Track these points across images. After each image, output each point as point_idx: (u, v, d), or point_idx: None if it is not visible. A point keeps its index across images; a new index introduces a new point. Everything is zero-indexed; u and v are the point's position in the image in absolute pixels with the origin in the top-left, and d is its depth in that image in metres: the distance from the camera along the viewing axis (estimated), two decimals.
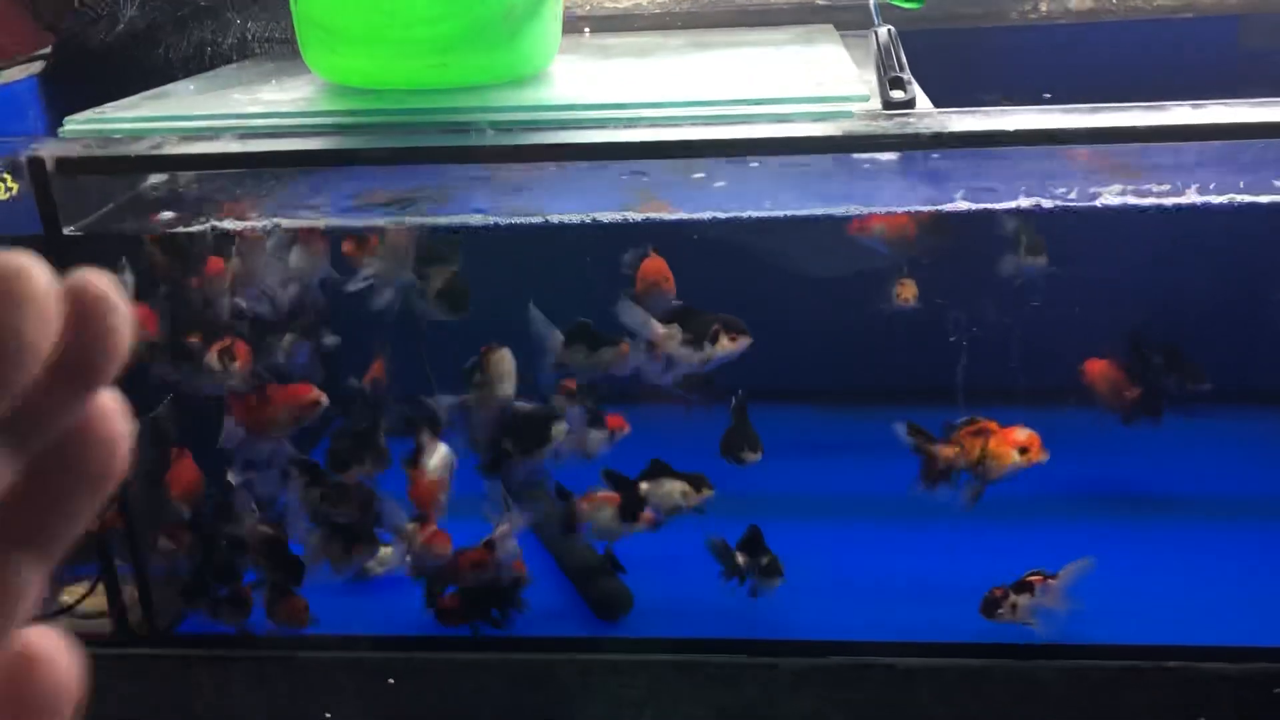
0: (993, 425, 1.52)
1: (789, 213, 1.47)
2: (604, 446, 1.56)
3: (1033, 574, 1.50)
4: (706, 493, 1.55)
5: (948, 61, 1.76)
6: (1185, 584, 1.62)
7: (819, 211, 1.48)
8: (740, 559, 1.56)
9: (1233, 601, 1.57)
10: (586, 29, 1.97)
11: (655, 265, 1.52)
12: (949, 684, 1.49)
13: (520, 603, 1.58)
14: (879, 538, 1.74)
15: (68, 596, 1.62)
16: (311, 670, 1.57)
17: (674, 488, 1.55)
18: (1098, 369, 1.73)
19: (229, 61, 1.81)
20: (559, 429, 1.53)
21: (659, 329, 1.50)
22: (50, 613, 1.61)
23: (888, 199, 1.48)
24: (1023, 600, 1.49)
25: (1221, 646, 1.45)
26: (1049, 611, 1.49)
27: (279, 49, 1.82)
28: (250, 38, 1.82)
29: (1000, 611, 1.50)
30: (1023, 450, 1.50)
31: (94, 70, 1.77)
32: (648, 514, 1.55)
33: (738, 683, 1.51)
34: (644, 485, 1.55)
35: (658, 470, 1.56)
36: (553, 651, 1.55)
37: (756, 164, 1.38)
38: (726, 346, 1.49)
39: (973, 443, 1.51)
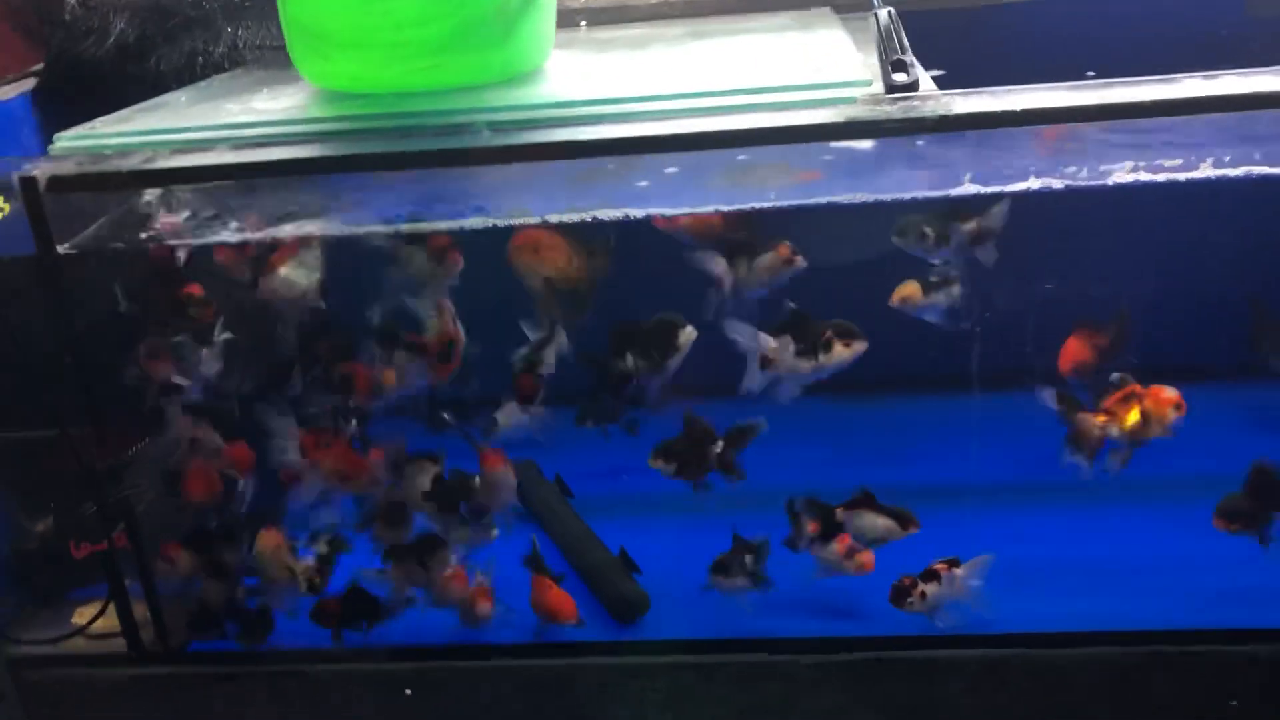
0: (1137, 387, 1.49)
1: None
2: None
3: (940, 562, 1.49)
4: (912, 529, 1.51)
5: (951, 40, 1.72)
6: (1214, 566, 1.59)
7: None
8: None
9: (1265, 583, 1.54)
10: (582, 22, 1.95)
11: (531, 236, 1.46)
12: (972, 675, 1.47)
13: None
14: None
15: (79, 618, 1.61)
16: (327, 683, 1.56)
17: (877, 522, 1.51)
18: (1078, 345, 1.69)
19: (221, 70, 1.78)
20: (686, 335, 1.47)
21: (769, 343, 1.45)
22: (63, 635, 1.60)
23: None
24: (930, 588, 1.48)
25: (1252, 629, 1.43)
26: (955, 602, 1.48)
27: (271, 56, 1.80)
28: (241, 46, 1.79)
29: (909, 600, 1.49)
30: (1177, 407, 1.47)
31: (87, 84, 1.76)
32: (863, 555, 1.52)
33: (759, 682, 1.49)
34: (843, 513, 1.52)
35: (861, 501, 1.52)
36: (570, 656, 1.53)
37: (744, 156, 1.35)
38: (841, 354, 1.45)
39: (1126, 407, 1.48)
